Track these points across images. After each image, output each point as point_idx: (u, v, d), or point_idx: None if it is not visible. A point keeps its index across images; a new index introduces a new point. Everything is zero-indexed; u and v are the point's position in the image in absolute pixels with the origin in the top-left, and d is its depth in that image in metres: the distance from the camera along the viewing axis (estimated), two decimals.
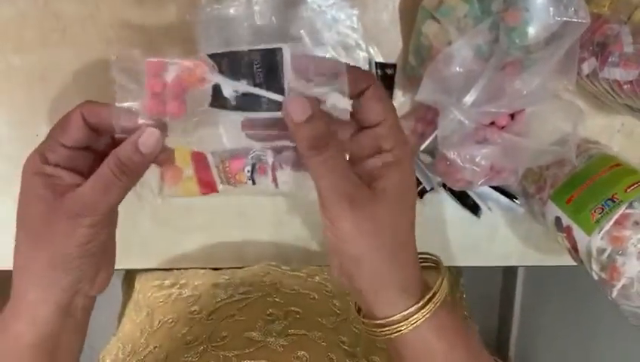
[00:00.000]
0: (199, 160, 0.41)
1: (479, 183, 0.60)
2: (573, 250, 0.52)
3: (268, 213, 0.63)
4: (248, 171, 0.42)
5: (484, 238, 0.65)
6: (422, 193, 0.62)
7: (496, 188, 0.62)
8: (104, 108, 0.36)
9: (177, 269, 0.66)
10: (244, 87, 0.32)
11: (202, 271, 0.65)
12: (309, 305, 0.54)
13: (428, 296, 0.35)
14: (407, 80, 0.58)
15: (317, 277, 0.59)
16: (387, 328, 0.35)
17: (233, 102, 0.33)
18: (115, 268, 0.42)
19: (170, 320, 0.57)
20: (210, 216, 0.62)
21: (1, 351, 0.38)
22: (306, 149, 0.32)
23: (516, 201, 0.62)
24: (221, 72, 0.33)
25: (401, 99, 0.59)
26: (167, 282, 0.64)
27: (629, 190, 0.48)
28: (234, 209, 0.62)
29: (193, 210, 0.62)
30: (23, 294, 0.37)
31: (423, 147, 0.56)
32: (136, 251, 0.64)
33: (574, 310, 1.11)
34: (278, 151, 0.35)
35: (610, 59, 0.52)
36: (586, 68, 0.54)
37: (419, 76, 0.55)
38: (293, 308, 0.53)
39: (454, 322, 0.37)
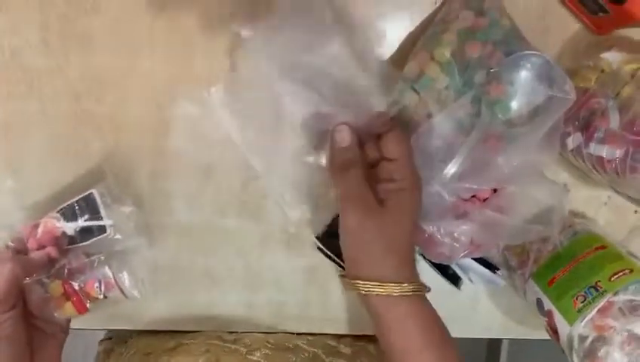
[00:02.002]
0: (68, 288, 0.51)
1: (459, 257, 0.58)
2: (554, 333, 0.50)
3: (239, 274, 0.60)
4: (97, 287, 0.51)
5: (465, 309, 0.62)
6: None
7: (477, 259, 0.59)
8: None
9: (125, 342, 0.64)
10: (77, 224, 0.51)
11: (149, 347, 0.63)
12: None
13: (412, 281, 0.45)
14: None
15: (257, 354, 0.58)
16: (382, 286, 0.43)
17: (77, 237, 0.51)
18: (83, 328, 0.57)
19: None
20: (175, 275, 0.60)
21: None
22: (337, 167, 0.45)
23: (498, 273, 0.59)
24: (66, 219, 0.51)
25: None
26: None
27: (613, 278, 0.46)
28: (200, 270, 0.60)
29: (158, 269, 0.59)
30: None
31: None
32: (105, 312, 0.61)
33: None
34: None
35: (595, 135, 0.51)
36: (571, 143, 0.52)
37: None
38: None
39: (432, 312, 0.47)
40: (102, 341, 0.73)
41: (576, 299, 0.46)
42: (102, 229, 0.51)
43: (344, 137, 0.45)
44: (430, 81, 0.49)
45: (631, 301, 0.45)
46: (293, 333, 0.63)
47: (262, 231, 0.59)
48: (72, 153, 0.55)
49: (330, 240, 0.58)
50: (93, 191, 0.51)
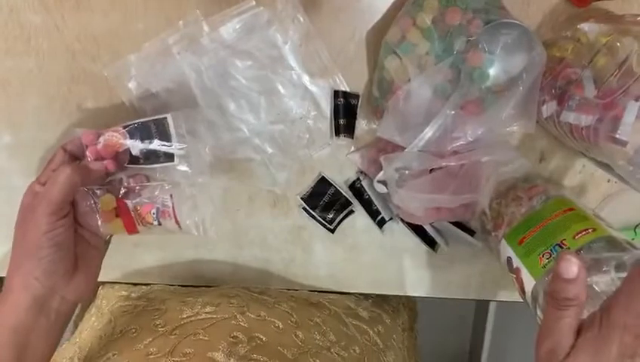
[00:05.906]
0: (121, 206, 0.49)
1: (431, 221, 0.60)
2: (522, 291, 0.52)
3: (226, 232, 0.63)
4: (153, 213, 0.49)
5: (443, 270, 0.65)
6: (381, 223, 0.62)
7: (455, 223, 0.62)
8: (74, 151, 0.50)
9: (146, 285, 0.65)
10: (145, 145, 0.48)
11: (172, 287, 0.65)
12: (273, 334, 0.54)
13: None
14: (371, 110, 0.58)
15: (284, 305, 0.59)
16: None
17: (141, 158, 0.48)
18: None
19: (133, 330, 0.56)
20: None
21: None
22: (552, 301, 0.37)
23: (474, 236, 0.62)
24: (132, 138, 0.48)
25: (364, 129, 0.59)
26: (134, 294, 0.63)
27: (577, 237, 0.48)
28: None
29: None
30: (9, 284, 0.47)
31: (378, 177, 0.56)
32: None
33: None
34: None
35: (569, 103, 0.53)
36: (546, 110, 0.54)
37: (382, 107, 0.55)
38: (257, 334, 0.53)
39: None
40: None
41: (542, 256, 0.49)
42: (169, 157, 0.48)
43: (571, 269, 0.36)
44: (411, 46, 0.50)
45: (592, 259, 0.48)
46: (314, 291, 0.65)
47: (249, 192, 0.61)
48: (67, 111, 0.58)
49: (314, 200, 0.61)
50: (168, 115, 0.48)
